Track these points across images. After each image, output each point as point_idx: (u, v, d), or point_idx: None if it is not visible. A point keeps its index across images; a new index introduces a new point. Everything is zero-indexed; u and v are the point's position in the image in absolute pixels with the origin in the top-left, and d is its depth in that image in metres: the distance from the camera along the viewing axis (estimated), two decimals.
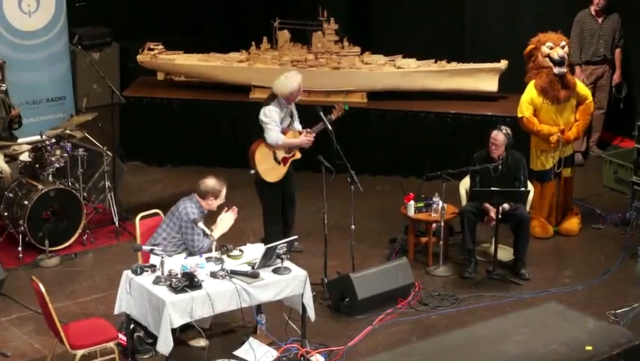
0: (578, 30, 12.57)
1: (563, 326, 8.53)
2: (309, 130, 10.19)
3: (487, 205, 10.11)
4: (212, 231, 8.72)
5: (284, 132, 10.06)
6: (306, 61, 12.57)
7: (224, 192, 8.86)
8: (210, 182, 8.83)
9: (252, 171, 10.13)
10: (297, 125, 10.27)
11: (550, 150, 10.85)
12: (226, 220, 8.86)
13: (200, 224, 8.70)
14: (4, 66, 11.79)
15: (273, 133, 9.95)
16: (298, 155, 10.31)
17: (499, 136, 10.13)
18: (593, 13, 12.58)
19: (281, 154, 10.14)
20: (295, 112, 10.31)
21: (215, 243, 8.60)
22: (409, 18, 14.62)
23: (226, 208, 8.92)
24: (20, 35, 12.43)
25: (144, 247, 8.55)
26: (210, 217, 8.94)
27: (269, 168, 10.10)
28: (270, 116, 9.96)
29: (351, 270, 9.64)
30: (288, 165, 10.25)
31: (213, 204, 8.84)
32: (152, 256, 8.41)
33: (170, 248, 8.68)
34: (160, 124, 12.79)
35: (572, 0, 13.08)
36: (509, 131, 10.19)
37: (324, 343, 8.83)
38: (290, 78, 10.04)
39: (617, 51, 12.71)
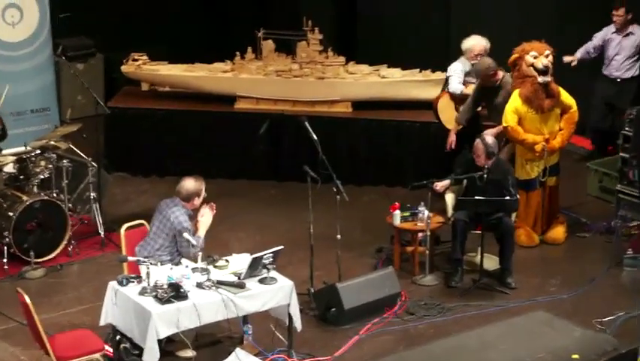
0: None
1: (550, 334, 8.57)
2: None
3: (436, 182, 10.20)
4: (196, 231, 8.77)
5: (465, 85, 11.64)
6: (291, 71, 12.55)
7: (204, 187, 8.90)
8: (190, 184, 8.83)
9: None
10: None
11: (535, 159, 10.88)
12: (206, 216, 8.88)
13: (186, 234, 8.69)
14: None
15: (454, 83, 11.65)
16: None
17: (479, 145, 10.16)
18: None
19: (460, 106, 11.54)
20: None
21: (202, 243, 8.69)
22: (394, 28, 14.63)
23: (204, 205, 8.95)
24: (4, 46, 12.38)
25: (130, 258, 8.54)
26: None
27: (449, 117, 11.61)
28: (452, 69, 11.75)
29: (338, 280, 9.62)
30: None
31: (198, 203, 8.88)
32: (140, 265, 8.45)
33: (166, 257, 8.70)
34: (145, 134, 12.74)
35: (556, 12, 13.09)
36: (489, 140, 10.19)
37: (310, 353, 8.82)
38: (472, 38, 11.75)
39: None
